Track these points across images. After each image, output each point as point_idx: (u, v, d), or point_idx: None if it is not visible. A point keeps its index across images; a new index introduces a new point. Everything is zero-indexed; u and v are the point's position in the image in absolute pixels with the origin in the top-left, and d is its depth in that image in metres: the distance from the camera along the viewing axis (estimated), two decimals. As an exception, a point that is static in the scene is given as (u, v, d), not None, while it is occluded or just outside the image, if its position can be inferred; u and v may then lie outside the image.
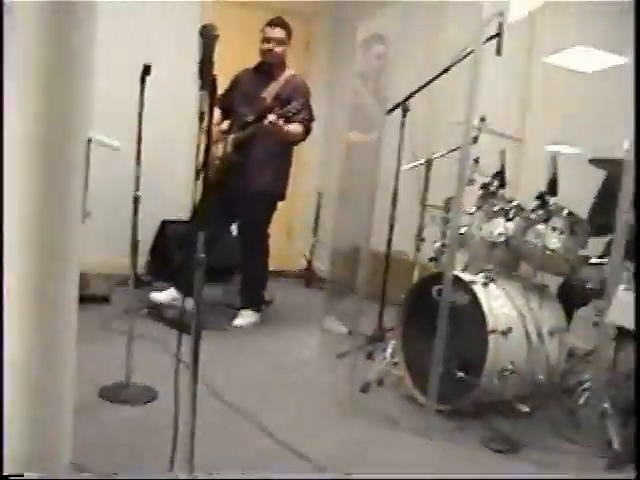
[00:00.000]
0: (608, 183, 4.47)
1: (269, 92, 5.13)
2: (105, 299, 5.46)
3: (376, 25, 4.75)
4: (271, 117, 4.84)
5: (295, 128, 5.06)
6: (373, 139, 4.34)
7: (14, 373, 2.26)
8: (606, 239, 4.20)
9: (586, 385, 3.94)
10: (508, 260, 4.19)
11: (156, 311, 5.22)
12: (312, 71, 6.65)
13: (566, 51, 4.83)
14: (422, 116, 5.23)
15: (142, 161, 3.68)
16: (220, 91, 5.04)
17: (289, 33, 5.19)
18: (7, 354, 2.22)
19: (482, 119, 4.24)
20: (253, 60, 5.30)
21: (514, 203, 4.16)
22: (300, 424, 3.70)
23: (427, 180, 4.68)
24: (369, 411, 3.95)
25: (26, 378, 2.30)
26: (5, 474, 2.42)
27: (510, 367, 3.79)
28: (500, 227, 4.13)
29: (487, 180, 4.28)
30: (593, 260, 4.06)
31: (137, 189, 3.70)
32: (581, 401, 3.93)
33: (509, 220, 4.13)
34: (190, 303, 2.64)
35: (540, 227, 4.01)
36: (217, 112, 5.28)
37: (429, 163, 4.65)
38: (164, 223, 6.57)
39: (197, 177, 2.47)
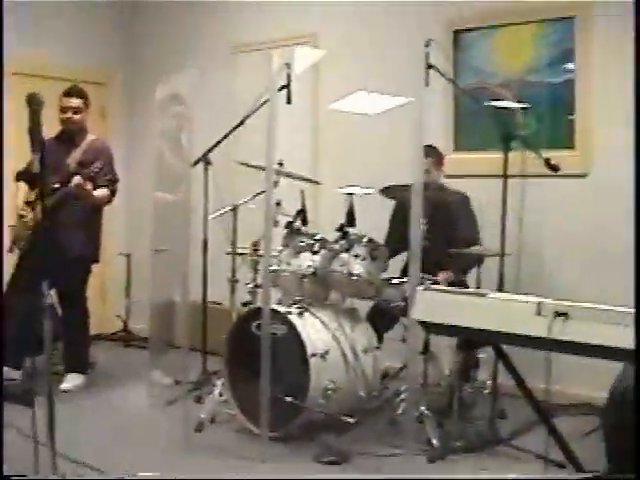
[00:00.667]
0: (398, 208, 4.95)
1: (73, 158, 5.26)
2: None
3: (172, 86, 4.99)
4: (76, 179, 4.99)
5: (101, 191, 5.22)
6: (180, 197, 4.55)
7: None
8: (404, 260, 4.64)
9: (403, 396, 4.37)
10: (318, 290, 4.55)
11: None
12: (110, 136, 6.81)
13: (350, 96, 5.11)
14: (226, 166, 5.54)
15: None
16: (22, 164, 5.20)
17: (86, 100, 5.36)
18: None
19: (280, 164, 4.59)
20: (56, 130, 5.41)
21: (318, 237, 4.54)
22: (145, 469, 3.82)
23: (235, 226, 4.97)
24: (206, 446, 4.16)
25: None
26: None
27: (332, 386, 4.14)
28: (307, 260, 4.49)
29: (290, 219, 4.62)
30: (395, 280, 4.50)
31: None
32: (400, 410, 4.34)
33: (315, 253, 4.50)
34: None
35: (344, 256, 4.41)
36: (22, 186, 5.37)
37: (235, 209, 4.95)
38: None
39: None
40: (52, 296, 5.63)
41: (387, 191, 4.55)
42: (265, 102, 4.25)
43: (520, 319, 2.34)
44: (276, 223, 4.58)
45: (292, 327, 4.18)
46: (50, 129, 4.87)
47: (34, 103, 2.64)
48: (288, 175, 4.70)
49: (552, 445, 3.46)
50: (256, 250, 4.87)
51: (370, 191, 4.62)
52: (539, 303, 2.31)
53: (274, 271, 4.49)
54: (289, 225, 4.61)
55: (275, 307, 4.25)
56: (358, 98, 5.07)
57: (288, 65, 4.52)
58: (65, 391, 5.25)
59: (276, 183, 4.50)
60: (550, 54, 5.20)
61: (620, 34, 4.88)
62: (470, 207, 4.97)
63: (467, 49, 5.53)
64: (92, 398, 5.18)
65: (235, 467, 3.92)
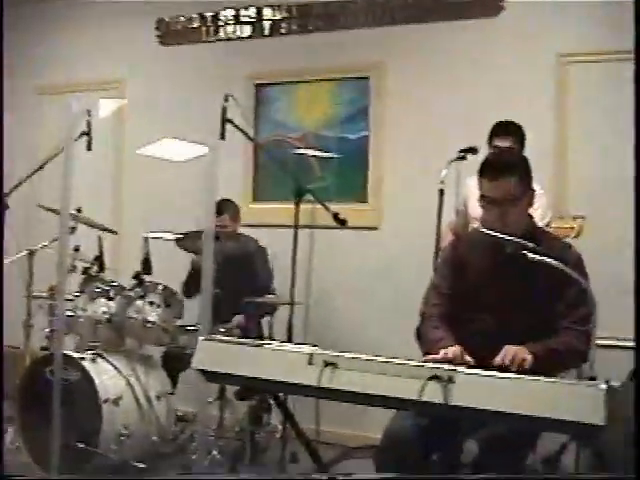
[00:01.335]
0: (195, 258, 5.05)
1: None
2: None
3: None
4: None
5: None
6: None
7: None
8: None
9: (196, 442, 4.45)
10: (113, 336, 4.57)
11: None
12: None
13: (157, 143, 5.06)
14: (26, 209, 5.46)
15: None
16: None
17: None
18: None
19: (78, 210, 4.60)
20: None
21: (114, 284, 4.58)
22: None
23: (31, 270, 4.92)
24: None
25: None
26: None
27: (125, 431, 4.17)
28: (103, 306, 4.52)
29: (87, 265, 4.64)
30: (189, 327, 4.60)
31: None
32: (194, 455, 4.41)
33: (111, 299, 4.53)
34: None
35: (139, 303, 4.47)
36: None
37: (32, 254, 4.90)
38: None
39: None
40: None
41: (181, 241, 4.66)
42: (56, 155, 4.28)
43: (293, 368, 2.48)
44: (74, 268, 4.59)
45: (85, 372, 4.19)
46: None
47: None
48: (85, 222, 4.71)
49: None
50: (53, 294, 4.84)
51: (169, 236, 4.71)
52: (311, 354, 2.46)
53: (70, 316, 4.48)
54: (86, 271, 4.62)
55: (68, 352, 4.24)
56: (165, 144, 5.06)
57: (89, 112, 4.57)
58: None
59: (73, 229, 4.51)
60: (346, 111, 5.51)
61: (413, 96, 5.28)
62: (266, 256, 5.15)
63: (268, 103, 5.75)
64: None
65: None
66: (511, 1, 5.02)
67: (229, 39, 5.90)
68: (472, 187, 3.74)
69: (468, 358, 2.76)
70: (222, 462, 4.34)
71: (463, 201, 4.41)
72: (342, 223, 4.24)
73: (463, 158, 4.26)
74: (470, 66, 5.16)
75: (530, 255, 2.70)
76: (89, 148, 4.53)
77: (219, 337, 2.84)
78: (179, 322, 4.63)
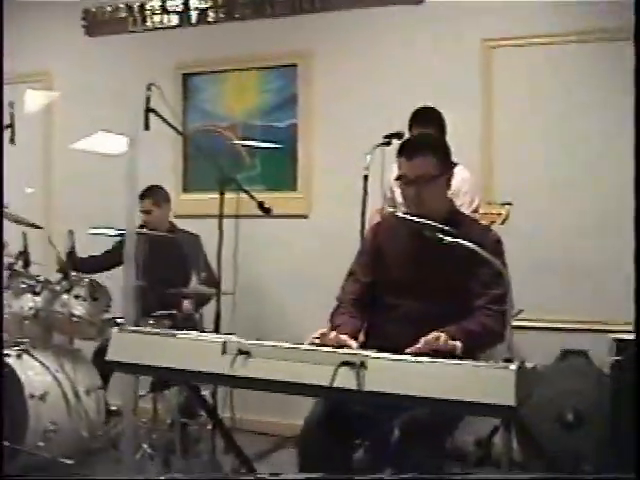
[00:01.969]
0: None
1: None
2: None
3: None
4: None
5: None
6: None
7: None
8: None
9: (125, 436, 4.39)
10: (40, 332, 4.50)
11: None
12: None
13: (92, 137, 5.06)
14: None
15: None
16: None
17: None
18: None
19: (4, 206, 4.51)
20: None
21: (40, 278, 4.50)
22: None
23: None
24: None
25: None
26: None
27: (52, 427, 4.11)
28: (29, 302, 4.44)
29: (12, 261, 4.56)
30: (118, 320, 4.53)
31: None
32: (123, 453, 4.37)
33: (37, 294, 4.45)
34: None
35: (65, 297, 4.40)
36: None
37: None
38: None
39: None
40: None
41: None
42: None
43: (206, 358, 2.47)
44: (-1, 265, 4.51)
45: (10, 369, 4.12)
46: None
47: None
48: (10, 218, 4.61)
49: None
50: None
51: (111, 232, 4.66)
52: (224, 342, 2.45)
53: (-6, 313, 4.40)
54: (10, 267, 4.54)
55: (-8, 349, 4.18)
56: (99, 138, 5.02)
57: (11, 104, 4.50)
58: None
59: (-2, 226, 4.43)
60: (275, 99, 5.50)
61: (341, 83, 5.29)
62: (201, 246, 5.10)
63: (196, 92, 5.71)
64: None
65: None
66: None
67: (156, 29, 5.84)
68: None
69: (351, 343, 2.75)
70: (153, 455, 4.30)
71: (389, 187, 4.41)
72: (266, 211, 4.22)
73: (388, 144, 4.26)
74: (396, 53, 5.18)
75: (446, 238, 2.70)
76: (12, 141, 4.48)
77: (132, 327, 2.79)
78: (107, 315, 4.57)
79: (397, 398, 2.27)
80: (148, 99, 4.28)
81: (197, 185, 5.67)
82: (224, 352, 2.45)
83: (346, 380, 2.30)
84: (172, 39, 5.77)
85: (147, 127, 4.25)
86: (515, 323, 3.00)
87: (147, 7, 5.84)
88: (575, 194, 4.78)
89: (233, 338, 2.51)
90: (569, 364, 4.65)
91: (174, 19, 5.78)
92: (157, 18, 5.82)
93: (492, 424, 4.51)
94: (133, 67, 5.77)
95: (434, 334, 2.66)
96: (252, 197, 4.23)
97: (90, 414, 4.37)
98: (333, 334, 2.76)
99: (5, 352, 4.23)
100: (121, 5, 5.91)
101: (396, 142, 4.15)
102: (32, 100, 4.89)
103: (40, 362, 4.30)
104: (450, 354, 2.61)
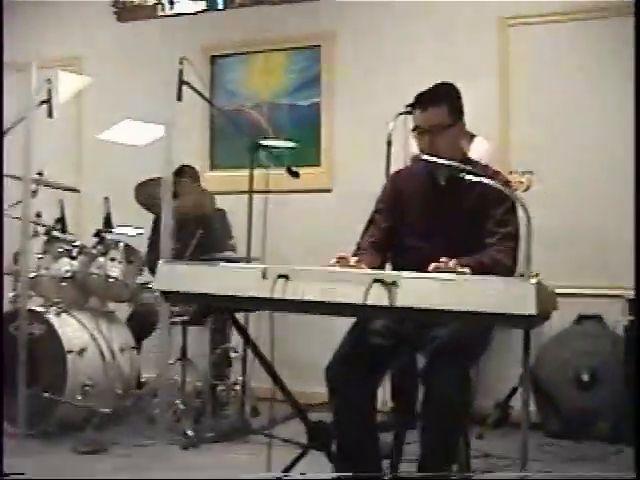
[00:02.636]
0: (156, 222, 5.18)
1: None
2: None
3: None
4: None
5: None
6: None
7: None
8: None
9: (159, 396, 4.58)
10: (77, 294, 4.70)
11: None
12: None
13: (116, 126, 5.16)
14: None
15: None
16: None
17: None
18: None
19: (40, 173, 4.71)
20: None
21: (76, 243, 4.70)
22: None
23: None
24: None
25: None
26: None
27: (89, 382, 4.31)
28: (66, 265, 4.64)
29: (50, 227, 4.75)
30: (150, 285, 4.74)
31: None
32: (157, 410, 4.55)
33: (73, 258, 4.66)
34: None
35: (101, 260, 4.60)
36: None
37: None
38: None
39: None
40: None
41: (139, 194, 4.79)
42: (20, 120, 4.43)
43: (249, 283, 2.64)
44: (36, 233, 4.70)
45: (50, 326, 4.33)
46: None
47: None
48: (47, 184, 4.81)
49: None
50: (16, 261, 4.93)
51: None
52: (265, 268, 2.62)
53: (33, 277, 4.59)
54: (48, 232, 4.73)
55: (33, 308, 4.38)
56: (125, 127, 5.18)
57: (49, 80, 4.70)
58: None
59: (35, 193, 4.63)
60: (298, 79, 5.72)
61: (363, 63, 5.52)
62: (224, 215, 5.32)
63: (223, 73, 5.93)
64: None
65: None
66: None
67: (184, 14, 6.05)
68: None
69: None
70: (186, 413, 4.48)
71: (412, 154, 4.58)
72: (295, 175, 4.41)
73: (410, 112, 4.43)
74: (416, 33, 5.38)
75: (467, 177, 2.89)
76: (50, 115, 4.67)
77: (178, 261, 2.97)
78: (140, 279, 4.77)
79: (427, 313, 2.43)
80: (181, 72, 4.49)
81: (223, 163, 5.88)
82: (264, 277, 2.62)
83: (379, 298, 2.47)
84: (199, 23, 5.99)
85: (180, 98, 4.47)
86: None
87: (176, -6, 6.07)
88: (590, 163, 4.96)
89: (272, 265, 2.68)
90: (584, 328, 4.83)
91: (201, 4, 5.99)
92: (185, 3, 6.03)
93: (510, 387, 4.71)
94: (162, 51, 5.96)
95: (443, 259, 2.78)
96: (282, 164, 4.41)
97: (124, 372, 4.56)
98: (353, 259, 2.91)
99: (44, 310, 4.43)
100: (151, -8, 6.14)
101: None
102: (65, 80, 5.03)
103: (78, 320, 4.50)
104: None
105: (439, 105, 3.15)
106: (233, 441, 4.43)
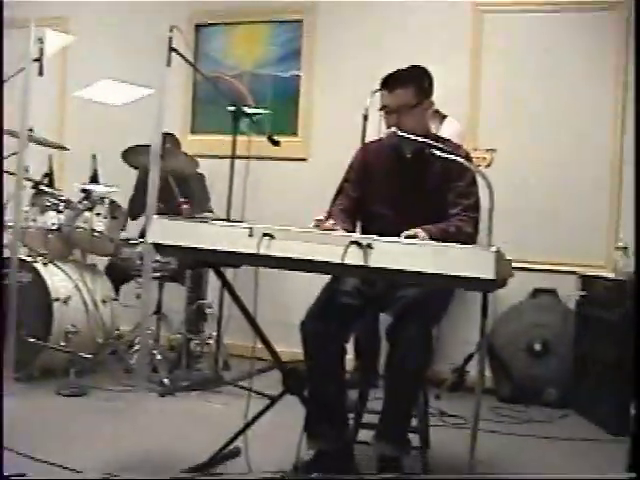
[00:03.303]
0: (142, 176, 5.38)
1: None
2: None
3: None
4: None
5: None
6: None
7: None
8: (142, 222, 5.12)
9: (137, 347, 4.84)
10: (62, 246, 4.93)
11: None
12: None
13: (95, 84, 5.25)
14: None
15: None
16: None
17: None
18: None
19: (30, 129, 4.88)
20: None
21: (63, 197, 4.92)
22: None
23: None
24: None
25: None
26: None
27: (73, 329, 4.56)
28: (53, 218, 4.86)
29: (38, 180, 4.96)
30: (132, 241, 4.98)
31: None
32: (133, 360, 4.82)
33: (60, 212, 4.88)
34: None
35: (87, 214, 4.83)
36: None
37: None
38: None
39: None
40: None
41: (127, 154, 5.01)
42: (18, 72, 4.60)
43: (236, 240, 2.89)
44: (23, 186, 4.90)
45: (37, 274, 4.56)
46: None
47: None
48: (38, 142, 5.00)
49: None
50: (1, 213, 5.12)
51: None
52: (251, 227, 2.88)
53: (21, 228, 4.78)
54: (36, 186, 4.93)
55: (21, 257, 4.60)
56: (104, 87, 5.27)
57: (40, 40, 4.86)
58: None
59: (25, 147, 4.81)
60: (280, 51, 5.96)
61: (342, 38, 5.77)
62: (204, 179, 5.59)
63: (207, 42, 6.15)
64: None
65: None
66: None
67: (171, -18, 6.25)
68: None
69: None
70: (162, 364, 4.76)
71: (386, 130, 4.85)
72: (275, 143, 4.67)
73: (382, 91, 4.69)
74: (394, 14, 5.64)
75: (434, 151, 3.19)
76: (41, 73, 4.83)
77: (172, 216, 3.20)
78: (123, 234, 5.00)
79: (397, 273, 2.71)
80: (170, 39, 4.69)
81: (204, 127, 6.14)
82: (251, 235, 2.88)
83: (355, 258, 2.74)
84: (185, -8, 6.19)
85: (169, 63, 4.67)
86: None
87: (163, -38, 6.23)
88: (554, 147, 5.27)
89: (258, 224, 2.94)
90: (539, 301, 5.16)
91: (188, -26, 6.18)
92: (172, -28, 6.22)
93: (467, 353, 5.03)
94: (147, 19, 6.15)
95: (413, 230, 3.07)
96: (263, 132, 4.67)
97: (106, 322, 4.82)
98: (330, 222, 3.19)
99: (32, 260, 4.66)
100: (138, -41, 6.30)
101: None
102: (52, 39, 5.16)
103: (63, 271, 4.74)
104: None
105: (405, 87, 3.40)
106: (207, 391, 4.69)
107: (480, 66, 5.43)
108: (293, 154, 5.74)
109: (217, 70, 6.09)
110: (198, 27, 6.15)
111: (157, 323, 5.16)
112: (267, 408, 3.34)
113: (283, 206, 5.72)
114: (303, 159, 5.85)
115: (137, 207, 5.26)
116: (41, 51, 4.80)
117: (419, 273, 2.68)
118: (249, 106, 5.63)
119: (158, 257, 4.74)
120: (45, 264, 4.67)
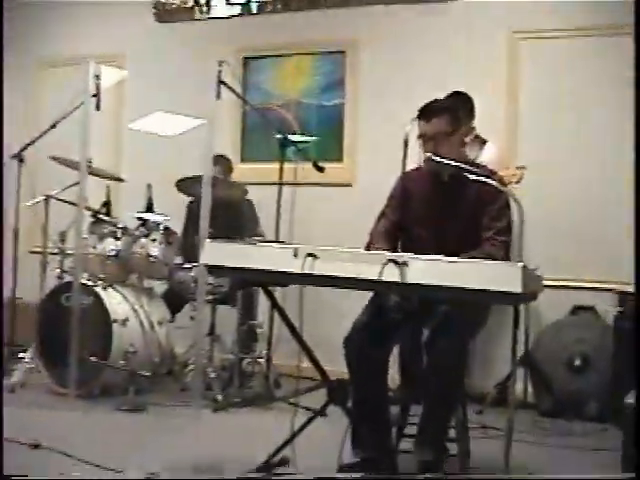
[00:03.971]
0: (192, 209, 5.65)
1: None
2: None
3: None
4: None
5: None
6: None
7: None
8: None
9: (191, 366, 5.07)
10: (119, 271, 5.21)
11: None
12: None
13: (149, 117, 5.51)
14: (40, 161, 5.94)
15: None
16: None
17: None
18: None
19: (89, 161, 5.17)
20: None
21: (121, 225, 5.20)
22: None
23: (47, 215, 5.43)
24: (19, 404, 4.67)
25: None
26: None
27: (131, 349, 4.80)
28: (111, 245, 5.15)
29: (97, 209, 5.24)
30: (185, 265, 5.24)
31: None
32: (188, 378, 5.07)
33: (117, 239, 5.16)
34: None
35: (143, 240, 5.11)
36: None
37: (48, 199, 5.41)
38: None
39: None
40: None
41: (181, 184, 5.27)
42: (78, 107, 4.91)
43: (282, 260, 3.13)
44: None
45: (98, 297, 4.84)
46: None
47: None
48: (96, 174, 5.29)
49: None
50: (62, 241, 5.40)
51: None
52: (296, 248, 3.11)
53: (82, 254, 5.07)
54: (95, 214, 5.22)
55: (83, 281, 4.88)
56: (157, 119, 5.52)
57: (97, 76, 5.16)
58: None
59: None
60: (324, 81, 6.24)
61: (383, 69, 6.03)
62: (252, 204, 5.88)
63: (255, 74, 6.44)
64: None
65: (49, 416, 4.51)
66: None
67: (219, 18, 6.55)
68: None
69: None
70: (216, 382, 4.99)
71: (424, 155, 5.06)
72: (320, 170, 4.89)
73: (421, 119, 4.91)
74: (433, 43, 5.87)
75: (469, 176, 3.40)
76: (98, 108, 5.13)
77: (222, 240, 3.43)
78: (177, 259, 5.27)
79: (432, 288, 2.91)
80: (220, 72, 4.95)
81: (253, 156, 6.41)
82: (295, 255, 3.11)
83: (392, 275, 2.95)
84: (234, 27, 6.48)
85: (219, 96, 4.93)
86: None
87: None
88: (587, 163, 5.45)
89: (302, 245, 3.16)
90: (579, 317, 5.31)
91: (236, 9, 6.49)
92: (221, 8, 6.53)
93: (509, 370, 5.17)
94: (198, 52, 6.45)
95: None
96: (308, 158, 4.90)
97: (161, 343, 5.08)
98: None
99: (93, 283, 4.94)
100: (189, -3, 6.64)
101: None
102: (108, 76, 5.44)
103: (121, 294, 5.02)
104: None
105: (441, 116, 3.64)
106: (258, 407, 4.91)
107: (517, 92, 5.61)
108: (338, 180, 5.95)
109: (265, 100, 6.36)
110: (246, 60, 6.43)
111: (210, 344, 5.38)
112: (312, 418, 3.54)
113: (329, 230, 5.91)
114: (348, 184, 6.06)
115: (189, 233, 5.51)
116: (98, 87, 5.10)
117: (451, 288, 2.88)
118: (295, 134, 5.89)
119: (211, 280, 4.98)
120: (104, 288, 4.95)
